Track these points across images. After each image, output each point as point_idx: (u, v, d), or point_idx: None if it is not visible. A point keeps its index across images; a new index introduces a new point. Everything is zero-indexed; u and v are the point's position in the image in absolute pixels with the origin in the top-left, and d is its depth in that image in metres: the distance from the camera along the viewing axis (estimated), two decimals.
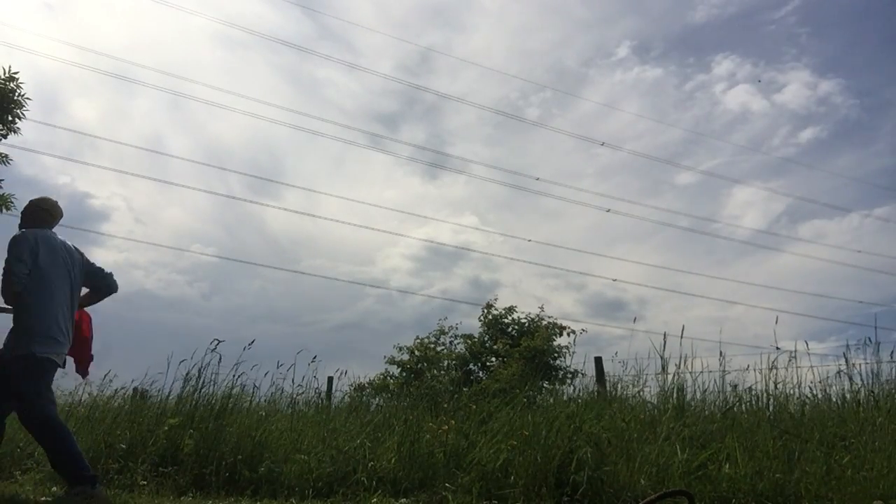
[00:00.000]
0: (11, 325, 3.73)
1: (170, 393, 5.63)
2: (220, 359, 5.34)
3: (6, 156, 9.20)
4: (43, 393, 3.65)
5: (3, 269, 3.75)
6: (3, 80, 8.78)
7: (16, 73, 8.88)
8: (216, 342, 5.32)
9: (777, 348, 5.58)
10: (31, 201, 4.11)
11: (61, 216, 4.17)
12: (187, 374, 5.28)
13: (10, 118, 8.97)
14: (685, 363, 5.62)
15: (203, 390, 5.19)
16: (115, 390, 6.03)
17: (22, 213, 4.10)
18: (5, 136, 9.11)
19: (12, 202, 9.25)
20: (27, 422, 3.63)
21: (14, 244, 3.81)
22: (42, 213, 4.07)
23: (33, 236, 3.84)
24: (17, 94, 8.91)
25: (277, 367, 5.95)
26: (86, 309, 4.19)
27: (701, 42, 50.43)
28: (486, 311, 14.82)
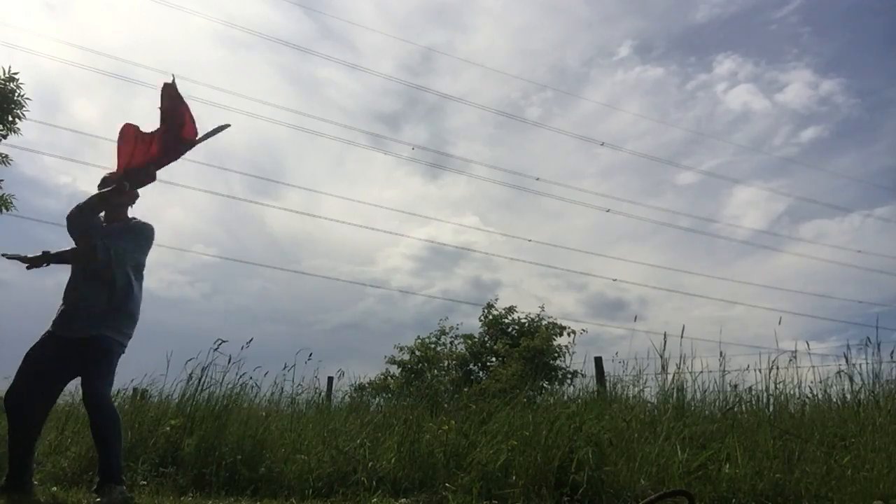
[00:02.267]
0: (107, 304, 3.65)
1: (170, 394, 5.64)
2: (229, 359, 5.35)
3: (6, 156, 9.20)
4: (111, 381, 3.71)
5: (113, 249, 3.66)
6: (2, 80, 8.78)
7: (15, 73, 8.87)
8: (219, 342, 5.32)
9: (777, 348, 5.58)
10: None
11: None
12: (190, 375, 5.28)
13: (10, 118, 8.97)
14: (685, 363, 5.62)
15: (205, 391, 5.18)
16: (117, 391, 6.03)
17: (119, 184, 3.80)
18: (5, 137, 9.11)
19: (12, 202, 9.25)
20: (96, 405, 3.53)
21: (149, 235, 3.87)
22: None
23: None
24: (17, 94, 8.90)
25: (283, 369, 5.96)
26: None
27: (702, 42, 50.51)
28: (486, 311, 14.84)
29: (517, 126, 47.15)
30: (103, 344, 3.60)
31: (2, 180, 9.24)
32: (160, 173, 3.97)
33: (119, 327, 3.67)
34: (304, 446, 4.67)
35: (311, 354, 6.04)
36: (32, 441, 3.60)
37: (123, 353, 3.75)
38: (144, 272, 3.91)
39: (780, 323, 6.01)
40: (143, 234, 3.87)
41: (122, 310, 3.69)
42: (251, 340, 5.45)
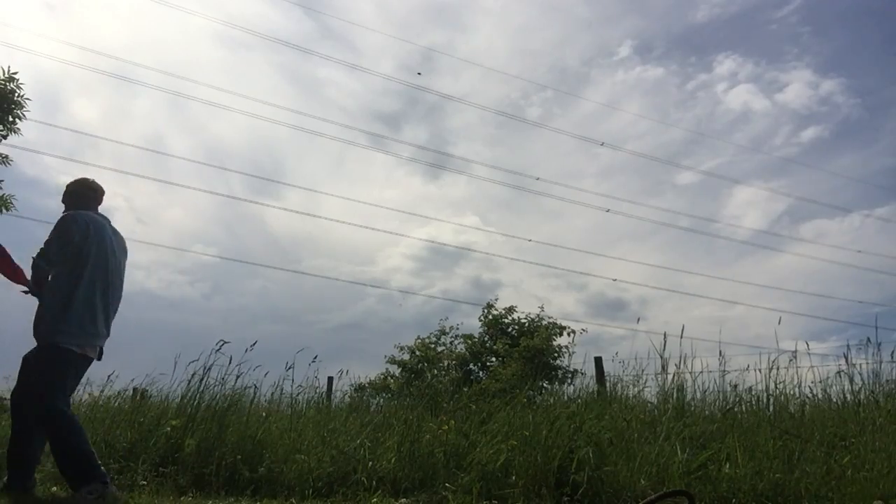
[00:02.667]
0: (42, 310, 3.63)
1: (169, 394, 5.64)
2: (230, 360, 5.34)
3: (6, 156, 9.19)
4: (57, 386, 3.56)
5: (41, 249, 3.65)
6: (2, 80, 8.75)
7: (15, 73, 8.84)
8: (221, 343, 5.31)
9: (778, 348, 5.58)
10: (75, 180, 4.02)
11: (103, 196, 4.08)
12: (193, 376, 5.27)
13: (10, 119, 8.95)
14: (685, 363, 5.62)
15: (207, 392, 5.17)
16: (118, 391, 6.03)
17: (66, 193, 3.99)
18: (5, 137, 9.09)
19: (12, 203, 9.24)
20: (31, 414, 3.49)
21: (62, 224, 3.70)
22: (89, 193, 3.98)
23: (83, 218, 3.76)
24: (17, 94, 8.87)
25: (286, 369, 5.96)
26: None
27: (702, 41, 50.48)
28: (486, 311, 14.84)
29: (517, 126, 47.16)
30: (30, 352, 3.61)
31: (2, 181, 9.23)
32: None
33: (44, 330, 3.58)
34: (304, 446, 4.67)
35: (315, 356, 6.05)
36: (33, 440, 3.59)
37: (65, 354, 3.55)
38: (92, 268, 3.72)
39: (779, 323, 6.01)
40: (55, 226, 3.76)
41: (47, 311, 3.62)
42: (255, 343, 5.45)
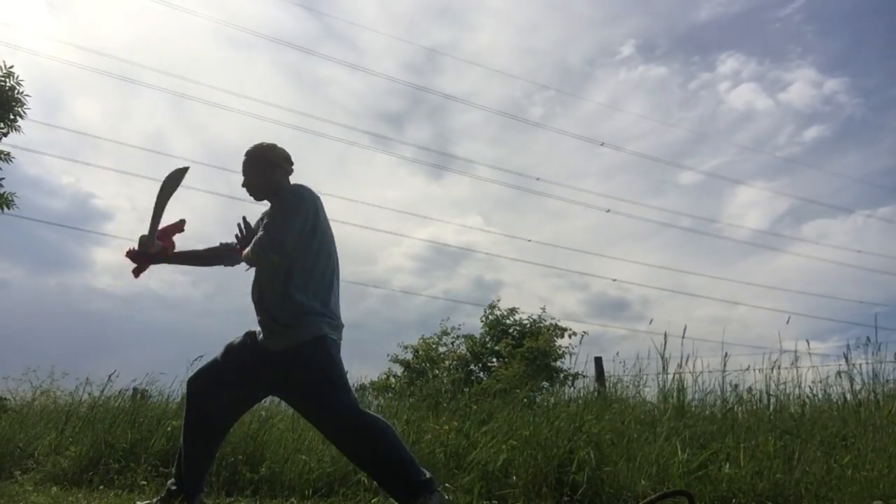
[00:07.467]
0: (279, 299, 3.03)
1: (169, 394, 5.65)
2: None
3: (8, 154, 9.18)
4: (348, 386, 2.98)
5: (275, 227, 2.97)
6: (1, 77, 8.73)
7: (11, 66, 8.78)
8: None
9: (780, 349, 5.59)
10: (269, 145, 3.34)
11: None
12: None
13: (11, 116, 8.94)
14: (686, 363, 5.62)
15: None
16: (119, 391, 6.04)
17: (260, 156, 3.29)
18: (6, 135, 9.08)
19: (13, 201, 9.24)
20: (339, 430, 2.89)
21: (300, 199, 3.03)
22: (286, 164, 3.30)
23: (310, 192, 3.10)
24: (16, 90, 8.86)
25: None
26: None
27: (705, 40, 50.50)
28: (488, 311, 14.86)
29: (520, 125, 47.21)
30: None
31: (2, 178, 9.21)
32: None
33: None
34: (305, 446, 4.67)
35: None
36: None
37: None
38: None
39: (787, 323, 6.04)
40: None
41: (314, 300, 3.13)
42: None
